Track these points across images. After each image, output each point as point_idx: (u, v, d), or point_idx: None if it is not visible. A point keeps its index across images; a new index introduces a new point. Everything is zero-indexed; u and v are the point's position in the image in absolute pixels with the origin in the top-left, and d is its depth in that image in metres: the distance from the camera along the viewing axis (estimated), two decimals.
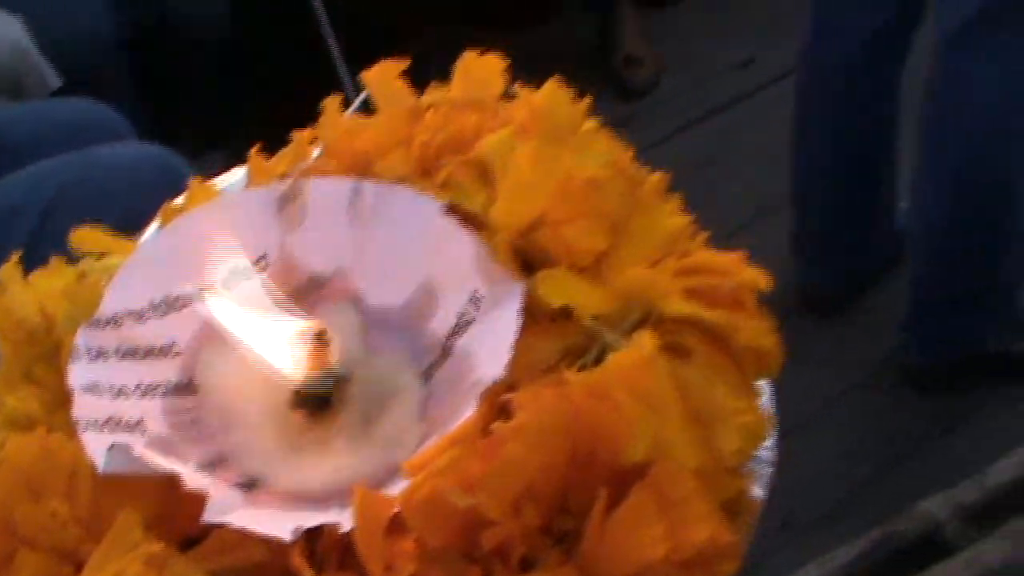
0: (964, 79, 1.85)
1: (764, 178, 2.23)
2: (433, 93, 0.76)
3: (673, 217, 0.66)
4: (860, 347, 2.14)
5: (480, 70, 0.73)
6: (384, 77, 0.77)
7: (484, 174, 0.69)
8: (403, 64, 0.77)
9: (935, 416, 2.05)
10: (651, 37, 2.62)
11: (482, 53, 0.76)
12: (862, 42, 1.97)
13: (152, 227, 0.76)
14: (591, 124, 0.69)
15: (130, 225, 0.78)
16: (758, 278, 0.65)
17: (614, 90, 2.53)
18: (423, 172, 0.72)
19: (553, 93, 0.68)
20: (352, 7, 2.27)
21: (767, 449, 0.67)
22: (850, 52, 1.99)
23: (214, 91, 2.17)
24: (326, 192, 0.71)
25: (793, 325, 2.09)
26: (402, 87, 0.76)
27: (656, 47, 2.61)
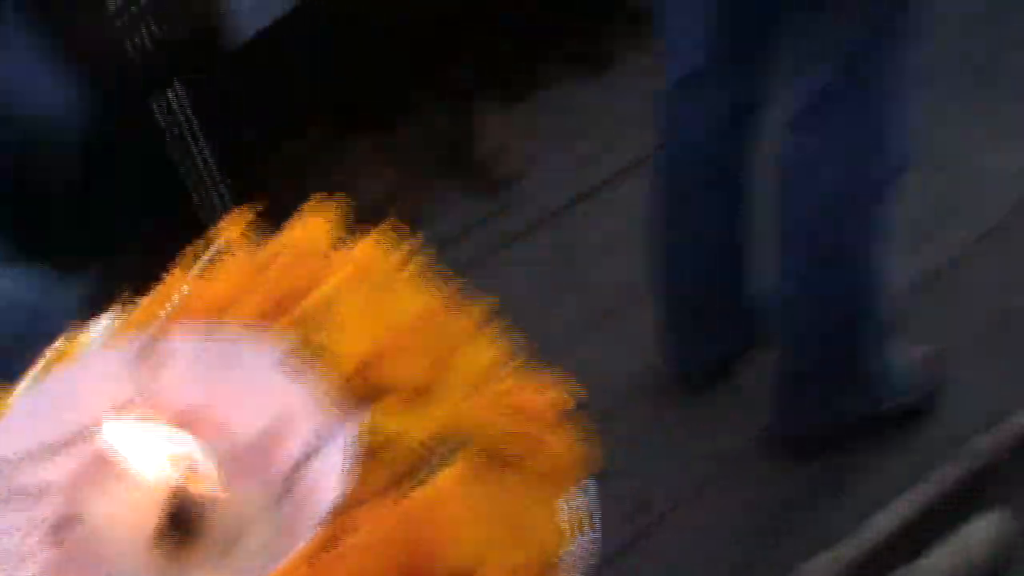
0: (808, 158, 1.91)
1: (632, 263, 2.23)
2: (278, 241, 0.85)
3: (490, 348, 0.76)
4: (734, 422, 2.17)
5: (315, 222, 0.83)
6: (235, 227, 0.86)
7: (323, 315, 0.78)
8: (252, 213, 0.85)
9: (813, 481, 2.10)
10: (513, 128, 2.67)
11: (327, 196, 0.85)
12: (716, 127, 2.00)
13: (27, 378, 0.83)
14: (412, 268, 0.78)
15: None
16: (564, 398, 0.75)
17: (479, 182, 2.56)
18: (272, 314, 0.80)
19: (371, 249, 0.77)
20: (223, 117, 2.30)
21: (587, 541, 0.75)
22: (703, 137, 2.03)
23: (81, 209, 2.15)
24: (184, 339, 0.80)
25: (664, 405, 2.16)
26: (249, 239, 0.85)
27: (518, 138, 2.66)
